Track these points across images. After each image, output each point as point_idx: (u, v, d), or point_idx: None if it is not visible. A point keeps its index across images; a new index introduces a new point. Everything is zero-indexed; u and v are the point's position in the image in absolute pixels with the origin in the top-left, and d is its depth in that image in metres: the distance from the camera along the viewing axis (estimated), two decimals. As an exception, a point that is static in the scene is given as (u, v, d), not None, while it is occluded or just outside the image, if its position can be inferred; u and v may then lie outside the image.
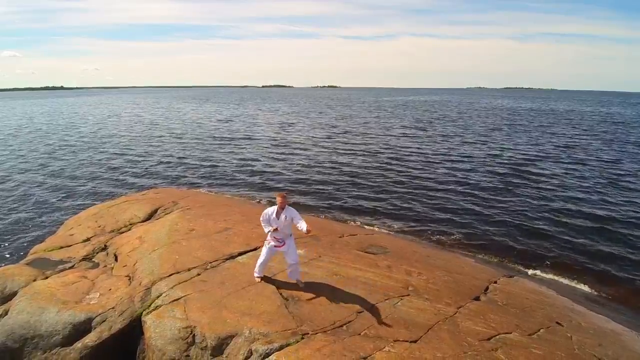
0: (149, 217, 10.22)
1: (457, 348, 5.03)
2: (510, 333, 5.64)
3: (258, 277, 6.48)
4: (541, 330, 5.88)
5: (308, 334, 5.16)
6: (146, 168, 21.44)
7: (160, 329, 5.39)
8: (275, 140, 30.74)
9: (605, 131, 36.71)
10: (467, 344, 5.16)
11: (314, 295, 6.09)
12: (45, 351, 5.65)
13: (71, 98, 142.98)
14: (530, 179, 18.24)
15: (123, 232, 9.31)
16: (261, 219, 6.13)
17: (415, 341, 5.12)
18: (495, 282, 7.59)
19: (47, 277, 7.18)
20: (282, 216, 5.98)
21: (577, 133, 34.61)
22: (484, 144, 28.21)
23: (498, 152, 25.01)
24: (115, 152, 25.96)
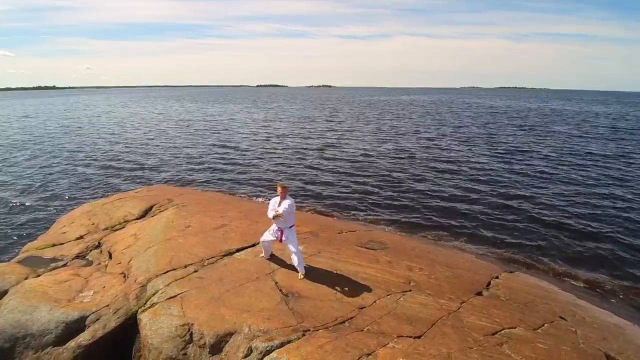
0: (144, 215, 10.02)
1: (463, 343, 4.92)
2: (515, 328, 5.54)
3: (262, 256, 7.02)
4: (545, 325, 5.79)
5: (309, 330, 5.02)
6: (140, 167, 21.17)
7: (156, 327, 5.23)
8: (272, 138, 30.55)
9: (605, 128, 36.78)
10: (472, 339, 5.05)
11: (314, 292, 5.96)
12: (37, 351, 5.45)
13: (63, 97, 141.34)
14: (528, 174, 18.24)
15: (117, 230, 9.11)
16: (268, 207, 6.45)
17: (419, 337, 5.01)
18: (497, 277, 7.50)
19: (39, 275, 6.99)
20: (283, 206, 6.16)
21: (582, 131, 34.11)
22: (480, 141, 28.22)
23: (494, 148, 25.02)
24: (108, 151, 25.63)
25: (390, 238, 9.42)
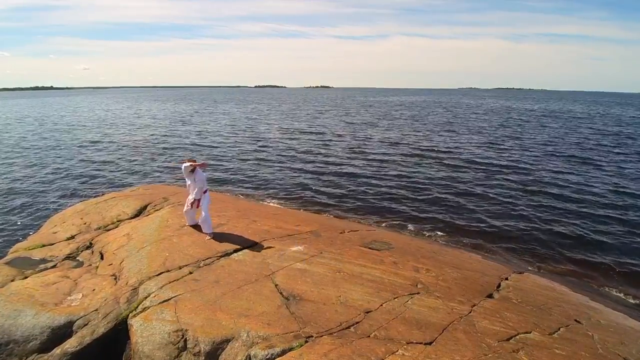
0: (138, 214, 9.65)
1: (477, 350, 4.59)
2: (530, 332, 5.22)
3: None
4: (561, 329, 5.47)
5: (312, 336, 4.68)
6: (136, 166, 20.80)
7: (148, 333, 4.87)
8: (270, 138, 30.21)
9: (611, 132, 36.49)
10: (487, 345, 4.72)
11: (317, 295, 5.61)
12: (21, 358, 5.09)
13: (59, 98, 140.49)
14: (534, 176, 17.97)
15: (110, 229, 8.74)
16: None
17: (430, 343, 4.67)
18: (507, 279, 7.18)
19: (26, 277, 6.62)
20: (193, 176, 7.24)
21: (585, 133, 33.81)
22: (484, 142, 27.96)
23: (498, 150, 24.77)
24: (103, 150, 25.23)
25: (394, 238, 9.09)
